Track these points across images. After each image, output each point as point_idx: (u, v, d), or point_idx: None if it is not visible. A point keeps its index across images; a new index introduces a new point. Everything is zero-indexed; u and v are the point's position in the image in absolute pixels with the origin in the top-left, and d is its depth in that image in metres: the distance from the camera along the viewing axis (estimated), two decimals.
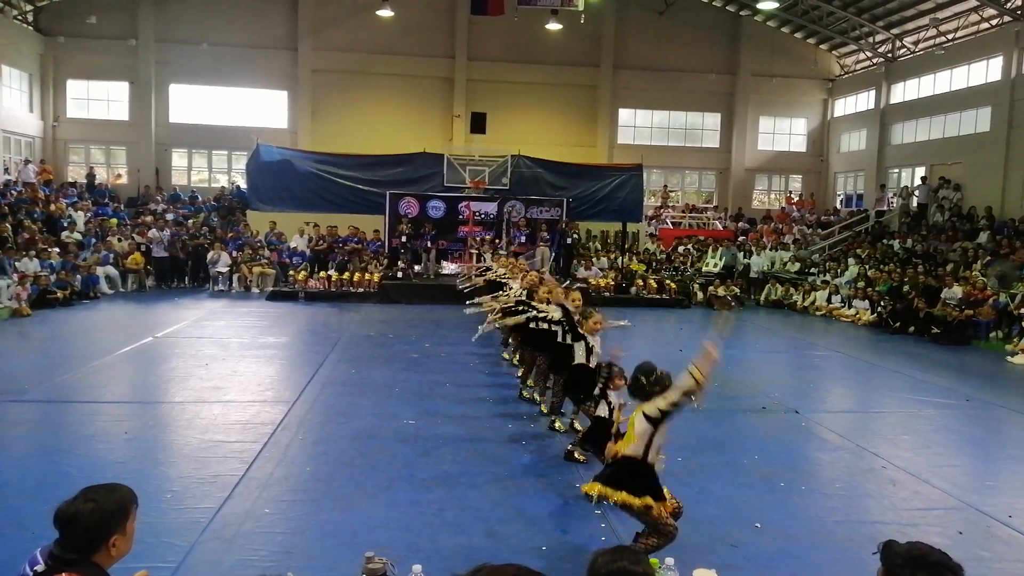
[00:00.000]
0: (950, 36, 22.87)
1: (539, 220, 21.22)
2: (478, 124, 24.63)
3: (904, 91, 25.34)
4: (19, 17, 23.32)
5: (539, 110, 26.85)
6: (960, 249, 19.11)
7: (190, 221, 22.01)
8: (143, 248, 19.97)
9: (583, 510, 5.75)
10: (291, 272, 19.45)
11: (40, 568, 2.38)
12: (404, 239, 20.15)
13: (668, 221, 26.70)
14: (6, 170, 22.26)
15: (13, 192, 20.40)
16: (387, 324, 14.78)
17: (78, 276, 17.22)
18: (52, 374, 9.69)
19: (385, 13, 24.58)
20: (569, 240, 21.33)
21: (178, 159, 26.61)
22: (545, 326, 7.67)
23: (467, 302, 9.70)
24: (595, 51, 27.08)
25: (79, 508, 2.40)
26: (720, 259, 22.11)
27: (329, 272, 19.28)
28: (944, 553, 2.10)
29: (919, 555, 2.11)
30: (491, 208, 21.34)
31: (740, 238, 24.69)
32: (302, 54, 25.76)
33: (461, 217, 21.12)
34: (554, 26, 24.95)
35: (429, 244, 20.16)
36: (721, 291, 16.02)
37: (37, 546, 2.47)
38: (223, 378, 9.77)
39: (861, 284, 18.90)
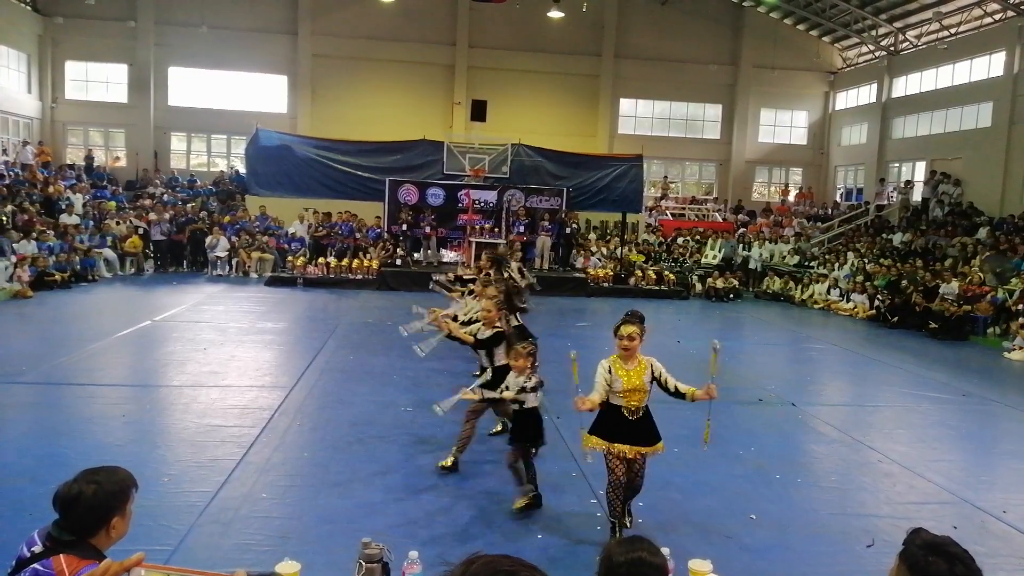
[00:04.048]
0: (953, 30, 22.79)
1: (539, 209, 21.18)
2: (479, 112, 24.52)
3: (906, 85, 25.27)
4: None
5: (540, 99, 26.75)
6: (959, 244, 19.12)
7: (188, 205, 21.94)
8: (141, 231, 19.93)
9: (579, 498, 5.78)
10: (289, 258, 19.43)
11: (38, 549, 2.37)
12: (405, 227, 20.11)
13: (668, 212, 26.67)
14: (4, 151, 22.15)
15: (11, 174, 20.31)
16: (385, 311, 14.76)
17: (76, 258, 17.19)
18: (50, 356, 9.69)
19: None
20: (568, 230, 21.31)
21: (177, 143, 26.50)
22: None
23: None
24: (597, 40, 26.96)
25: (81, 489, 2.40)
26: (719, 251, 22.11)
27: (328, 258, 19.27)
28: (968, 553, 2.09)
29: (940, 543, 2.10)
30: (491, 196, 21.29)
31: (739, 230, 24.67)
32: (302, 38, 25.61)
33: (460, 205, 21.07)
34: (556, 14, 24.81)
35: (429, 231, 20.11)
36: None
37: (35, 527, 2.47)
38: (221, 363, 9.77)
39: (859, 278, 18.92)
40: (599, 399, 4.85)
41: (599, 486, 5.89)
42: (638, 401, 4.92)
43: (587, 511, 5.57)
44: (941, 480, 6.57)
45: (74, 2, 23.96)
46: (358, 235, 20.63)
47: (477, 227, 20.37)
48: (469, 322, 7.31)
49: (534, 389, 5.46)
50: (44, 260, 16.06)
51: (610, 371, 4.88)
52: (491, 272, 10.59)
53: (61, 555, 2.33)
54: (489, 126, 24.49)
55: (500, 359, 6.31)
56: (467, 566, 1.49)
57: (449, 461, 6.21)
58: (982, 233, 19.35)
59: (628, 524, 5.15)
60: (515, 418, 5.68)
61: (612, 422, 4.92)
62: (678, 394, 4.91)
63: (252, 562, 4.43)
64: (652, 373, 4.93)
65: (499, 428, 7.18)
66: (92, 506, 2.40)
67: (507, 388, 5.56)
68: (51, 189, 20.16)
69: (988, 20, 21.60)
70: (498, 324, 6.48)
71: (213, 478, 5.80)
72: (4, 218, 16.86)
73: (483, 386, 5.92)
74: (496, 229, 20.75)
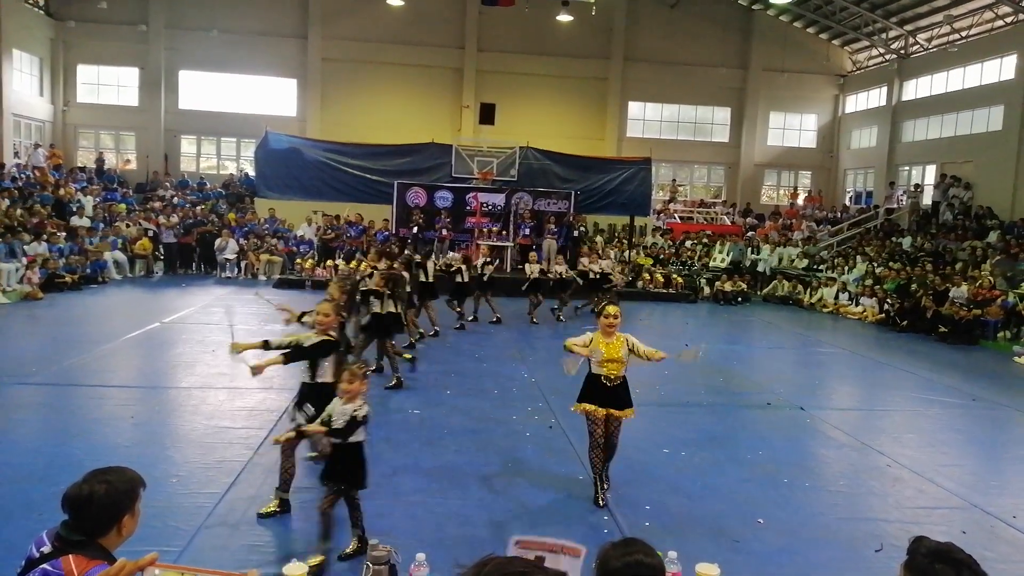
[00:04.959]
0: (964, 33, 22.68)
1: (546, 212, 21.18)
2: (487, 115, 24.60)
3: (916, 88, 25.16)
4: (30, 1, 23.34)
5: (548, 102, 26.75)
6: (969, 248, 19.01)
7: (198, 208, 22.06)
8: (151, 234, 20.05)
9: (586, 503, 5.77)
10: (298, 260, 19.49)
11: (47, 550, 2.39)
12: (416, 230, 20.12)
13: (676, 215, 26.64)
14: (16, 154, 22.31)
15: (23, 176, 20.45)
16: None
17: (86, 260, 17.30)
18: (60, 358, 9.74)
19: (396, 2, 24.51)
20: (576, 233, 21.28)
21: (187, 145, 26.63)
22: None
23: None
24: (605, 43, 26.96)
25: (93, 489, 2.42)
26: (727, 254, 22.05)
27: (336, 261, 19.32)
28: (972, 558, 2.09)
29: (945, 550, 2.10)
30: (499, 199, 21.30)
31: (748, 233, 24.61)
32: (312, 42, 25.71)
33: (469, 208, 21.09)
34: (565, 18, 24.83)
35: (444, 233, 20.14)
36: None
37: (45, 528, 2.49)
38: (229, 365, 9.77)
39: (869, 282, 18.84)
40: (581, 343, 5.77)
41: (606, 489, 5.90)
42: (616, 370, 5.73)
43: (596, 515, 5.56)
44: (951, 485, 6.54)
45: (86, 6, 24.14)
46: (364, 237, 20.68)
47: (485, 230, 20.40)
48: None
49: (364, 421, 4.60)
50: (54, 262, 16.16)
51: (592, 342, 5.77)
52: (376, 266, 10.64)
53: (70, 555, 2.34)
54: (497, 129, 24.54)
55: (324, 375, 5.31)
56: (480, 568, 1.50)
57: (272, 506, 5.31)
58: (992, 237, 19.24)
59: (606, 487, 5.83)
60: (335, 453, 4.67)
61: (594, 389, 5.76)
62: (647, 357, 5.79)
63: (260, 563, 4.45)
64: (628, 346, 5.77)
65: (316, 453, 6.03)
66: (104, 505, 2.42)
67: (330, 417, 4.61)
68: (62, 191, 20.29)
69: (999, 23, 21.49)
70: (331, 332, 5.47)
71: (221, 480, 5.82)
72: (15, 220, 16.97)
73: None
74: (504, 232, 20.77)
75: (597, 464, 5.81)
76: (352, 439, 4.58)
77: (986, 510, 5.98)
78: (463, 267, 13.66)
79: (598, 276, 15.38)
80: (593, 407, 5.74)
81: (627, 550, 2.08)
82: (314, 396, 5.13)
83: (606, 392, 5.73)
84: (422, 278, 12.58)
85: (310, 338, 5.40)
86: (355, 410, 4.53)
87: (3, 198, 17.51)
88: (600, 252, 20.47)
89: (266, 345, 5.51)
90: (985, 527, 5.68)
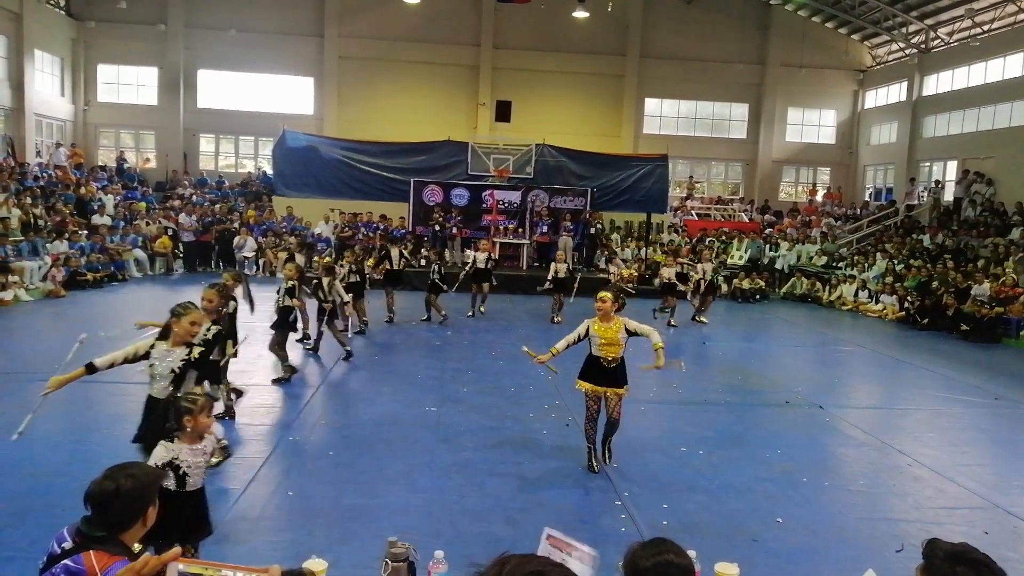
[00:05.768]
0: (985, 27, 22.37)
1: (563, 210, 21.14)
2: (503, 112, 24.55)
3: (937, 83, 24.85)
4: (51, 2, 23.59)
5: (564, 99, 26.68)
6: (992, 245, 18.76)
7: (217, 206, 22.23)
8: (170, 232, 20.24)
9: (603, 500, 5.76)
10: (315, 258, 19.57)
11: (68, 546, 2.41)
12: (437, 228, 20.15)
13: (693, 212, 26.49)
14: (38, 153, 22.58)
15: (45, 175, 20.71)
16: (409, 311, 14.82)
17: (107, 259, 17.47)
18: (82, 354, 9.81)
19: (412, 0, 24.55)
20: (592, 230, 21.24)
21: (206, 144, 26.82)
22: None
23: None
24: (622, 40, 26.83)
25: (119, 484, 2.46)
26: (745, 251, 21.91)
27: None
28: (989, 557, 2.07)
29: (962, 551, 2.08)
30: (515, 197, 21.32)
31: (766, 230, 24.43)
32: (328, 41, 25.81)
33: (485, 206, 21.11)
34: (581, 14, 24.73)
35: (455, 231, 20.18)
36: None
37: (66, 523, 2.51)
38: (248, 362, 9.86)
39: (889, 279, 18.65)
40: (562, 347, 6.35)
41: (624, 488, 5.90)
42: (614, 353, 6.17)
43: (613, 514, 5.55)
44: (972, 484, 6.46)
45: (106, 6, 24.37)
46: (376, 233, 20.78)
47: (501, 227, 20.40)
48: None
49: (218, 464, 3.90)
50: (76, 260, 16.34)
51: (588, 329, 6.24)
52: (298, 253, 10.61)
53: (91, 551, 2.37)
54: (513, 127, 24.51)
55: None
56: (500, 567, 1.48)
57: None
58: (1015, 233, 18.97)
59: (608, 461, 6.38)
60: (173, 505, 3.69)
61: (593, 369, 6.26)
62: (646, 334, 6.16)
63: (279, 559, 4.45)
64: (626, 329, 6.15)
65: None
66: (132, 498, 2.47)
67: (179, 468, 3.77)
68: (83, 190, 20.52)
69: (1022, 17, 21.18)
70: (193, 340, 5.01)
71: (240, 476, 5.86)
72: (37, 219, 17.18)
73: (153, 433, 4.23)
74: (520, 229, 20.76)
75: (591, 434, 6.35)
76: (189, 486, 3.81)
77: (1008, 510, 5.90)
78: (437, 263, 13.91)
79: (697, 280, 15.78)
80: (592, 386, 6.26)
81: (657, 550, 2.06)
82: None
83: (605, 372, 6.19)
84: (387, 266, 13.37)
85: (160, 347, 4.98)
86: (203, 454, 3.85)
87: (26, 197, 17.73)
88: (690, 255, 20.03)
89: (90, 368, 4.91)
90: (1008, 527, 5.61)
